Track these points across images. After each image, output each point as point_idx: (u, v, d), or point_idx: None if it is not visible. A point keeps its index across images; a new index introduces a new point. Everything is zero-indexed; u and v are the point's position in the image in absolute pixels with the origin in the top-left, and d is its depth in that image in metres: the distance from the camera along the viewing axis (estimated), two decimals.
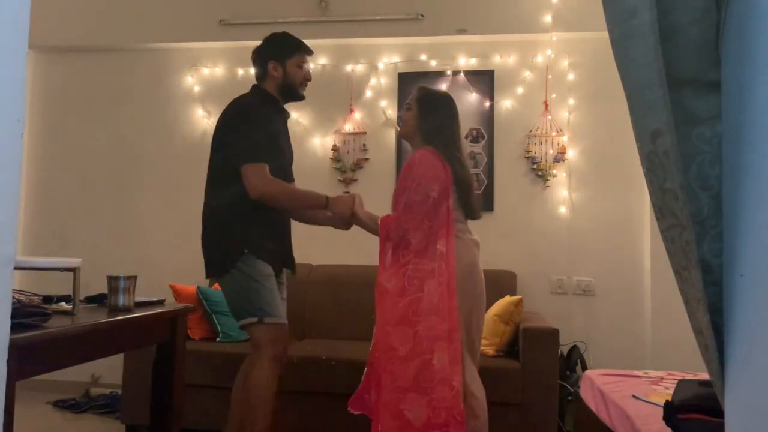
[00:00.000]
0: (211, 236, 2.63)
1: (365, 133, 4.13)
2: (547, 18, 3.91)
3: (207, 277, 2.69)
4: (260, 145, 2.52)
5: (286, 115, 2.78)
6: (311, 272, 3.90)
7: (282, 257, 2.70)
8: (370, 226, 2.67)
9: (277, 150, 2.62)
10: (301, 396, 3.19)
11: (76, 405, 3.89)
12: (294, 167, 2.98)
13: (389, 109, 4.13)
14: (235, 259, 2.50)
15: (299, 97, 2.75)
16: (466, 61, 4.07)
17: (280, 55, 2.66)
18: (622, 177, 3.86)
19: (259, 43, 2.76)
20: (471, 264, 2.53)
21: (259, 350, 2.47)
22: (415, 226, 2.49)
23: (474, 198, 2.62)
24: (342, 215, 2.66)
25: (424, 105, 2.63)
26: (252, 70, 4.21)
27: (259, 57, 2.70)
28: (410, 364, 2.39)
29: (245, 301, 2.48)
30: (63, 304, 2.16)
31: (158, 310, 2.33)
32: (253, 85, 2.75)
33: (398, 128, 3.19)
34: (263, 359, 2.45)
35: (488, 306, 3.37)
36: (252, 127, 2.55)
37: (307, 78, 2.73)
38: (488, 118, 4.02)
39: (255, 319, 2.45)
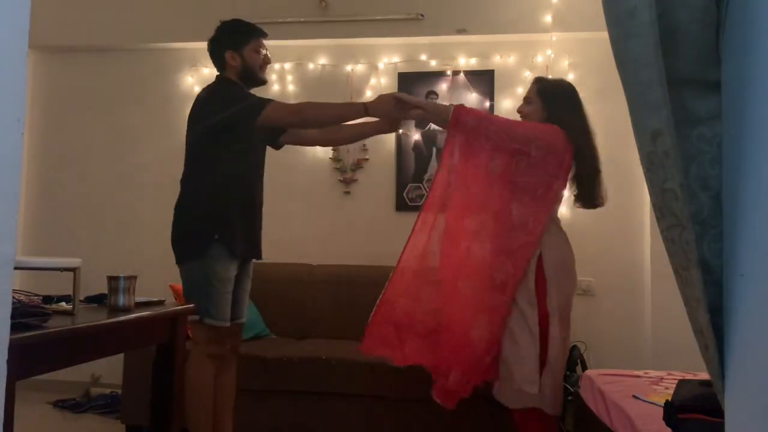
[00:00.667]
0: (180, 220, 2.66)
1: None
2: (547, 18, 3.91)
3: (177, 263, 2.70)
4: (252, 95, 2.56)
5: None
6: (311, 272, 3.90)
7: (251, 247, 2.72)
8: (429, 107, 2.59)
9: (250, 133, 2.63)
10: (301, 396, 3.19)
11: (76, 405, 3.89)
12: (294, 167, 2.99)
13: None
14: (202, 248, 2.54)
15: (261, 82, 2.74)
16: (466, 61, 4.07)
17: (235, 43, 2.66)
18: (621, 177, 3.85)
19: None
20: (566, 265, 2.53)
21: (195, 347, 2.61)
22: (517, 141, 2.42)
23: (597, 190, 2.60)
24: (387, 115, 2.58)
25: (549, 97, 2.56)
26: None
27: (215, 49, 2.70)
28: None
29: (197, 299, 2.55)
30: (63, 304, 2.16)
31: (158, 310, 2.33)
32: (217, 76, 2.74)
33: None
34: (197, 356, 2.59)
35: None
36: (235, 92, 2.57)
37: (266, 61, 2.73)
38: None
39: (197, 318, 2.55)
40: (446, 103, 4.02)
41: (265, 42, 2.79)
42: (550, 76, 3.61)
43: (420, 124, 3.99)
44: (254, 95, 2.60)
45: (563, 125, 2.50)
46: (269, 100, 2.53)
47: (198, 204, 2.61)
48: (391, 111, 2.55)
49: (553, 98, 2.56)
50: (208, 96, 2.63)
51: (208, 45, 2.73)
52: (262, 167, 2.79)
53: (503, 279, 2.45)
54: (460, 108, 2.48)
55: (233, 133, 2.55)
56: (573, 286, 2.57)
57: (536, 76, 2.73)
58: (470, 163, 2.51)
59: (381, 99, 2.57)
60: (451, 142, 2.50)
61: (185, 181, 2.69)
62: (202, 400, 2.57)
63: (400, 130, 2.73)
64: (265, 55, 2.72)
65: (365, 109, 2.52)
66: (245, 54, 2.65)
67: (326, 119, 2.66)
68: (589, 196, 2.61)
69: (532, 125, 2.53)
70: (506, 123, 2.49)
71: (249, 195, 2.68)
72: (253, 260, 2.80)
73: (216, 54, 2.69)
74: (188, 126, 2.67)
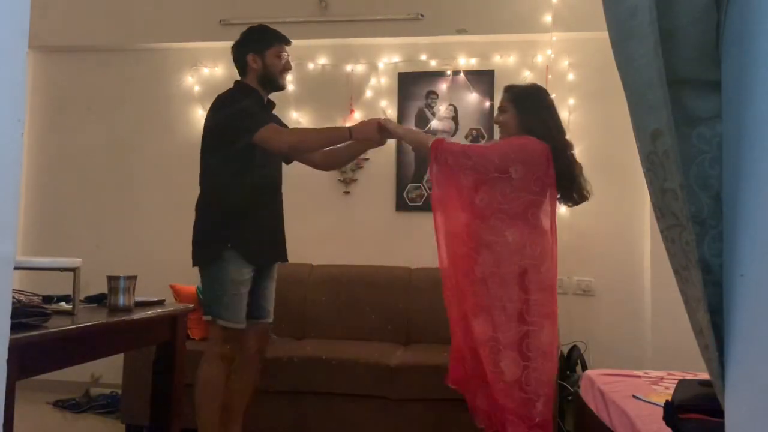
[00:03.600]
0: (198, 226, 2.69)
1: None
2: (547, 18, 3.91)
3: (192, 266, 2.73)
4: (257, 114, 2.62)
5: (270, 106, 2.83)
6: (311, 272, 3.90)
7: (271, 253, 2.78)
8: (410, 137, 2.72)
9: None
10: (301, 396, 3.19)
11: (76, 405, 3.89)
12: (294, 167, 2.98)
13: (389, 109, 4.13)
14: (216, 254, 2.58)
15: (280, 87, 2.80)
16: (466, 61, 4.07)
17: (258, 47, 2.71)
18: (622, 177, 3.85)
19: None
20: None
21: (209, 346, 2.66)
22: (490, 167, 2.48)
23: (578, 186, 2.61)
24: (370, 139, 2.67)
25: (521, 103, 2.61)
26: None
27: (239, 52, 2.75)
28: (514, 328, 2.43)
29: (210, 300, 2.63)
30: (63, 304, 2.16)
31: (158, 310, 2.33)
32: (235, 81, 2.80)
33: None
34: (210, 355, 2.63)
35: None
36: (243, 104, 2.63)
37: (286, 68, 2.77)
38: (488, 118, 4.01)
39: (211, 318, 2.61)
40: (445, 103, 4.04)
41: None
42: (527, 80, 3.61)
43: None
44: (257, 113, 2.64)
45: (537, 128, 2.55)
46: (265, 124, 2.57)
47: (211, 209, 2.67)
48: (374, 136, 2.65)
49: (525, 103, 2.61)
50: (221, 104, 2.69)
51: (232, 48, 2.79)
52: (278, 171, 2.84)
53: (516, 307, 2.45)
54: (437, 145, 2.53)
55: (239, 144, 2.60)
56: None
57: (507, 85, 2.78)
58: (457, 196, 2.55)
59: (365, 124, 2.67)
60: (433, 177, 2.58)
61: (201, 183, 2.73)
62: (209, 398, 2.59)
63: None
64: (287, 61, 2.77)
65: (350, 133, 2.62)
66: (266, 58, 2.70)
67: (312, 145, 2.73)
68: (572, 193, 2.62)
69: (507, 147, 2.55)
70: (483, 153, 2.56)
71: (263, 200, 2.72)
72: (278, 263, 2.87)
73: (239, 57, 2.75)
74: (203, 135, 2.77)
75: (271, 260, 2.80)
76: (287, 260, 2.88)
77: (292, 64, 2.81)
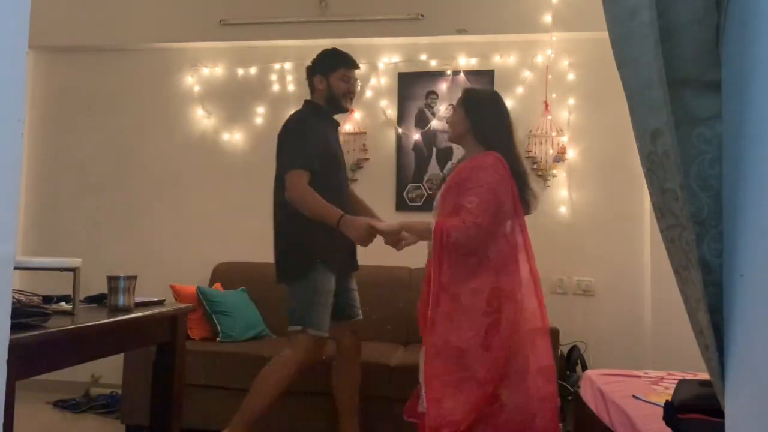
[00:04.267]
0: (283, 244, 2.79)
1: (365, 133, 4.13)
2: (547, 18, 3.91)
3: (278, 283, 2.81)
4: (302, 153, 2.70)
5: (335, 124, 2.96)
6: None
7: (350, 263, 2.94)
8: (415, 235, 2.50)
9: (330, 155, 2.80)
10: (301, 396, 3.18)
11: (76, 405, 3.89)
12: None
13: (389, 109, 4.13)
14: (307, 269, 2.69)
15: (343, 109, 2.92)
16: (466, 61, 4.07)
17: (324, 69, 2.86)
18: (622, 177, 3.85)
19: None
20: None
21: (291, 352, 2.69)
22: (491, 231, 2.37)
23: (529, 194, 2.54)
24: (355, 240, 2.68)
25: (472, 106, 2.57)
26: (252, 70, 4.26)
27: (309, 73, 2.92)
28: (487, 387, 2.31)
29: (302, 311, 2.69)
30: (63, 304, 2.16)
31: (158, 310, 2.33)
32: (305, 100, 2.94)
33: (446, 130, 3.12)
34: (290, 360, 2.68)
35: None
36: (298, 137, 2.75)
37: (350, 90, 2.87)
38: None
39: (300, 328, 2.67)
40: (445, 103, 4.04)
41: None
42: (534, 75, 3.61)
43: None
44: (300, 148, 2.71)
45: (486, 139, 2.50)
46: (298, 168, 2.67)
47: (298, 230, 2.73)
48: (360, 239, 2.62)
49: (477, 108, 2.55)
50: (289, 124, 2.83)
51: (305, 70, 2.95)
52: (346, 180, 3.01)
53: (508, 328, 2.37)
54: (440, 231, 2.35)
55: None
56: None
57: (466, 87, 2.76)
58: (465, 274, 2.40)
59: (356, 224, 2.61)
60: (438, 262, 2.38)
61: (282, 205, 2.75)
62: (269, 393, 2.66)
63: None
64: (352, 84, 2.87)
65: (338, 223, 2.60)
66: (331, 80, 2.84)
67: (306, 212, 2.69)
68: (526, 201, 2.52)
69: (486, 193, 2.37)
70: (481, 222, 2.34)
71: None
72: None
73: (309, 78, 2.91)
74: (276, 158, 2.83)
75: (351, 268, 2.95)
76: (357, 268, 3.02)
77: (357, 87, 2.94)
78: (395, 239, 2.55)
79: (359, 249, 2.88)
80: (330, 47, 2.95)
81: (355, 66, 2.91)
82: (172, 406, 2.43)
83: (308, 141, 2.72)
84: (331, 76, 2.84)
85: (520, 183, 2.49)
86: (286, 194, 2.67)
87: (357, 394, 2.92)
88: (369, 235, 2.59)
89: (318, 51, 4.24)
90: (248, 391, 2.70)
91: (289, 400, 3.17)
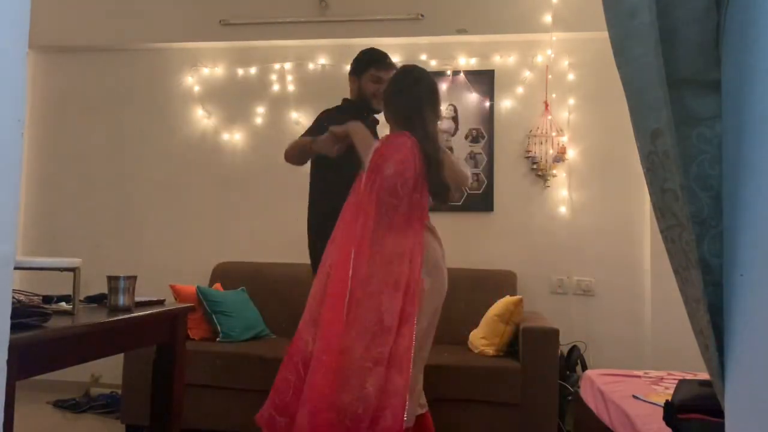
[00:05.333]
0: (312, 237, 2.87)
1: None
2: (547, 18, 3.91)
3: (314, 275, 2.76)
4: (309, 128, 2.86)
5: (371, 120, 2.96)
6: (311, 272, 3.89)
7: None
8: (362, 148, 2.53)
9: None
10: None
11: (76, 405, 3.89)
12: (294, 167, 2.99)
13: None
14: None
15: (373, 110, 2.94)
16: (466, 61, 4.07)
17: (357, 70, 2.93)
18: (622, 177, 3.86)
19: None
20: (436, 260, 2.46)
21: None
22: (393, 207, 2.40)
23: (441, 178, 2.44)
24: (327, 151, 2.68)
25: (394, 82, 2.60)
26: (252, 70, 4.26)
27: (349, 72, 2.99)
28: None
29: None
30: (63, 304, 2.16)
31: (158, 310, 2.33)
32: (343, 99, 3.04)
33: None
34: None
35: (488, 306, 3.38)
36: (317, 119, 2.92)
37: (381, 91, 2.83)
38: (488, 118, 4.02)
39: None
40: (445, 103, 4.03)
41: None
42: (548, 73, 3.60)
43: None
44: (312, 129, 2.87)
45: (401, 117, 2.51)
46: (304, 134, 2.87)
47: (314, 221, 2.87)
48: (327, 148, 2.65)
49: (397, 85, 2.56)
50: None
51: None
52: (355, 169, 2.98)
53: (406, 313, 2.33)
54: (374, 157, 2.44)
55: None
56: (444, 280, 2.52)
57: (403, 65, 2.82)
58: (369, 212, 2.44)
59: (321, 138, 2.68)
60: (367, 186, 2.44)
61: (311, 202, 2.95)
62: None
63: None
64: (382, 85, 2.82)
65: (311, 147, 2.73)
66: (362, 81, 2.90)
67: (294, 157, 2.88)
68: (433, 188, 2.46)
69: (395, 169, 2.42)
70: (389, 185, 2.41)
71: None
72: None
73: (350, 77, 2.99)
74: None
75: None
76: None
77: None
78: (340, 135, 2.59)
79: None
80: (368, 47, 2.98)
81: (388, 66, 2.88)
82: (172, 406, 2.43)
83: (318, 121, 2.83)
84: (362, 77, 2.88)
85: (431, 167, 2.43)
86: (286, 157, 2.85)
87: None
88: (331, 140, 2.62)
89: (318, 51, 4.24)
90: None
91: None
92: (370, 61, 2.89)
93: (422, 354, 2.43)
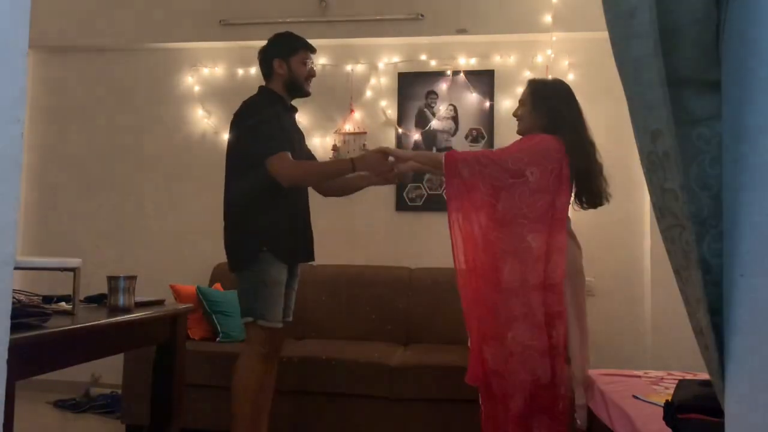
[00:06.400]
0: (231, 231, 2.71)
1: (365, 133, 4.13)
2: (547, 18, 3.91)
3: (230, 272, 2.75)
4: (275, 135, 2.61)
5: (293, 111, 2.86)
6: (311, 272, 3.89)
7: (303, 252, 2.81)
8: (421, 158, 2.61)
9: (290, 144, 2.69)
10: (301, 396, 3.19)
11: (76, 405, 3.89)
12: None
13: (389, 109, 4.13)
14: (253, 257, 2.59)
15: (305, 93, 2.83)
16: (466, 61, 4.07)
17: (284, 52, 2.74)
18: (622, 177, 3.85)
19: (262, 43, 2.81)
20: (577, 265, 2.53)
21: (248, 347, 2.63)
22: (510, 171, 2.44)
23: (597, 186, 2.56)
24: (374, 170, 2.67)
25: (537, 96, 2.60)
26: (252, 70, 4.26)
27: (265, 56, 2.78)
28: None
29: (248, 302, 2.61)
30: (63, 304, 2.16)
31: (158, 310, 2.33)
32: (260, 87, 2.82)
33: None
34: (250, 356, 2.61)
35: None
36: (263, 121, 2.62)
37: (311, 74, 2.80)
38: (488, 118, 4.01)
39: (251, 319, 2.59)
40: (445, 103, 4.04)
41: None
42: (549, 77, 3.61)
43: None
44: (274, 134, 2.61)
45: (555, 125, 2.52)
46: (279, 149, 2.56)
47: (242, 213, 2.66)
48: (378, 167, 2.65)
49: (545, 99, 2.59)
50: (245, 113, 2.69)
51: (258, 53, 2.81)
52: (304, 158, 2.86)
53: (554, 311, 2.44)
54: (452, 156, 2.49)
55: (258, 168, 2.61)
56: (583, 284, 2.62)
57: (530, 78, 2.78)
58: (477, 206, 2.50)
59: (368, 156, 2.68)
60: (451, 192, 2.50)
61: (229, 192, 2.71)
62: (249, 401, 2.57)
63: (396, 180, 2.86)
64: (311, 68, 2.80)
65: (352, 165, 2.61)
66: (292, 64, 2.73)
67: (314, 181, 2.75)
68: (588, 194, 2.58)
69: (518, 150, 2.52)
70: (498, 158, 2.49)
71: (292, 203, 2.73)
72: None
73: (264, 61, 2.77)
74: (228, 144, 2.76)
75: (303, 259, 2.82)
76: (314, 259, 2.89)
77: (315, 70, 2.85)
78: (404, 165, 2.65)
79: (363, 249, 2.87)
80: (281, 32, 2.81)
81: (314, 50, 2.80)
82: (172, 406, 2.43)
83: (273, 125, 2.63)
84: (292, 60, 2.73)
85: (582, 180, 2.52)
86: (282, 179, 2.56)
87: (270, 399, 2.79)
88: (383, 158, 2.61)
89: (318, 51, 4.22)
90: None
91: (289, 400, 3.18)
92: (299, 43, 2.75)
93: None
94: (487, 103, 4.01)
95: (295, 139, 2.78)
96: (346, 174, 2.68)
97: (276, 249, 2.61)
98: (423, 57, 4.10)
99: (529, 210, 2.44)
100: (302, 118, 4.14)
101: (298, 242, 2.76)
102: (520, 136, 2.67)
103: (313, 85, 2.86)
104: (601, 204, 2.61)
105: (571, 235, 2.59)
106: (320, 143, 4.16)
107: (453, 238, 2.49)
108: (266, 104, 2.70)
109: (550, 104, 2.56)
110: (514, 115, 2.71)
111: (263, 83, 2.83)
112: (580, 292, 2.57)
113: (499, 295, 2.45)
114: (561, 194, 2.48)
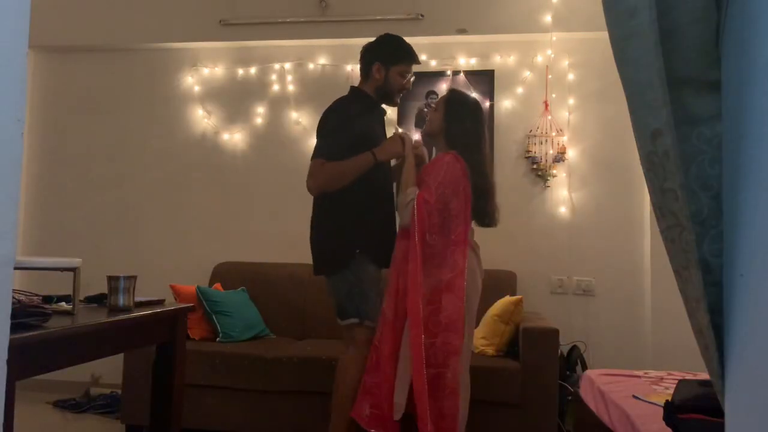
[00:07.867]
0: (321, 235, 2.69)
1: None
2: (547, 18, 3.91)
3: (315, 275, 2.74)
4: (332, 143, 2.59)
5: (382, 111, 2.84)
6: (311, 272, 3.89)
7: (388, 256, 2.71)
8: (408, 179, 2.62)
9: (370, 146, 2.63)
10: (301, 396, 3.19)
11: (76, 405, 3.89)
12: (294, 167, 2.99)
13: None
14: (347, 259, 2.58)
15: (393, 104, 2.83)
16: (466, 61, 4.07)
17: (387, 59, 2.71)
18: (622, 177, 3.86)
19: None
20: (471, 270, 2.57)
21: (355, 348, 2.60)
22: (435, 230, 2.51)
23: (492, 206, 2.64)
24: (397, 155, 2.67)
25: (452, 108, 2.64)
26: (252, 70, 4.26)
27: (367, 56, 2.75)
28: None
29: (350, 302, 2.59)
30: (63, 304, 2.16)
31: (158, 310, 2.33)
32: (351, 87, 2.82)
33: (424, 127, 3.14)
34: (355, 359, 2.58)
35: (488, 306, 3.37)
36: (333, 127, 2.62)
37: (405, 87, 2.77)
38: (488, 118, 4.01)
39: (357, 320, 2.58)
40: None
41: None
42: (549, 78, 3.61)
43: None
44: (334, 139, 2.61)
45: (456, 143, 2.60)
46: (321, 155, 2.58)
47: (336, 219, 2.64)
48: (396, 150, 2.65)
49: (456, 111, 2.64)
50: (329, 112, 2.70)
51: (362, 50, 2.78)
52: (389, 170, 2.81)
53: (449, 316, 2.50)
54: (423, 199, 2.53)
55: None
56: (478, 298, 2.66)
57: (452, 87, 2.83)
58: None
59: (388, 142, 2.67)
60: (420, 228, 2.53)
61: (319, 196, 2.68)
62: (350, 403, 2.56)
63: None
64: (408, 81, 2.76)
65: (373, 156, 2.60)
66: (390, 72, 2.70)
67: (340, 183, 2.60)
68: (478, 212, 2.62)
69: (440, 182, 2.55)
70: (434, 204, 2.54)
71: (381, 202, 2.72)
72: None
73: (365, 61, 2.74)
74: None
75: (389, 261, 2.74)
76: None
77: (411, 84, 2.82)
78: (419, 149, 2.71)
79: None
80: (392, 34, 2.80)
81: (418, 62, 2.80)
82: (172, 406, 2.43)
83: (343, 131, 2.58)
84: (392, 69, 2.69)
85: (479, 198, 2.58)
86: (307, 185, 2.58)
87: None
88: (399, 141, 2.62)
89: (318, 51, 4.23)
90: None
91: (289, 400, 3.18)
92: (404, 54, 2.72)
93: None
94: (487, 103, 4.01)
95: (379, 141, 2.71)
96: (370, 166, 2.60)
97: (370, 250, 2.61)
98: (423, 57, 4.09)
99: (452, 233, 2.52)
100: (302, 118, 4.15)
101: (385, 247, 2.67)
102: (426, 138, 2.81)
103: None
104: (489, 225, 2.67)
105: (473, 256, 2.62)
106: None
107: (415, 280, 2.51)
108: (347, 105, 2.69)
109: (461, 117, 2.63)
110: (427, 117, 2.82)
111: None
112: (477, 293, 2.62)
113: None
114: (463, 222, 2.54)
